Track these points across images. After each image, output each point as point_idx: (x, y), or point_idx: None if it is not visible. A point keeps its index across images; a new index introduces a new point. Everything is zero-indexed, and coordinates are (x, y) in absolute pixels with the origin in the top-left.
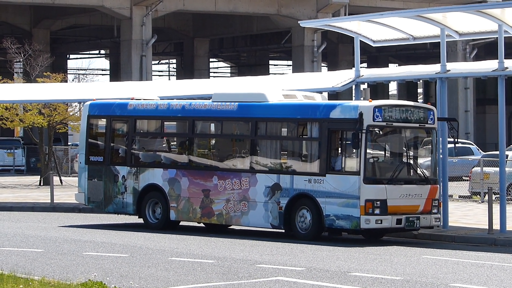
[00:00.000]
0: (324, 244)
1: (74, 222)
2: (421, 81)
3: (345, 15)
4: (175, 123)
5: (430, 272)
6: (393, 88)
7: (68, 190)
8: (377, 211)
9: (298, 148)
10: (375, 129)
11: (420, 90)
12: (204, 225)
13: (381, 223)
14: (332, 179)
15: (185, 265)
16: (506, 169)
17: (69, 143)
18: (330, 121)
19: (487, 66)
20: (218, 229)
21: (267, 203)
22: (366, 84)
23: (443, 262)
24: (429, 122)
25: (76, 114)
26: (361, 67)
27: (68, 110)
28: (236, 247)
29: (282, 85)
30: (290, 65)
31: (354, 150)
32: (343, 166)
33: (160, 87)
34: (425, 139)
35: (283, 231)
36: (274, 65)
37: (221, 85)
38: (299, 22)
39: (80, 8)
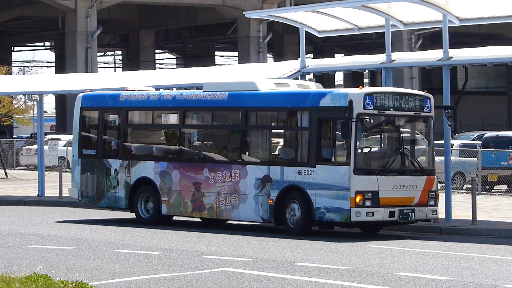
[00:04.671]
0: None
1: (19, 215)
2: (366, 71)
3: (290, 5)
4: (166, 114)
5: (376, 261)
6: (339, 78)
7: (13, 183)
8: (368, 203)
9: (288, 138)
10: (366, 117)
11: (366, 80)
12: (200, 220)
13: (372, 215)
14: (322, 170)
15: (131, 257)
16: (451, 158)
17: (14, 136)
18: (320, 110)
19: (432, 56)
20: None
21: (258, 195)
22: (312, 74)
23: (389, 251)
24: (425, 110)
25: (21, 107)
26: (306, 58)
27: (13, 102)
28: (183, 238)
29: (228, 76)
30: (236, 56)
31: (344, 140)
32: (333, 156)
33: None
34: (421, 128)
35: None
36: (220, 56)
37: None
38: (244, 13)
39: (25, 0)
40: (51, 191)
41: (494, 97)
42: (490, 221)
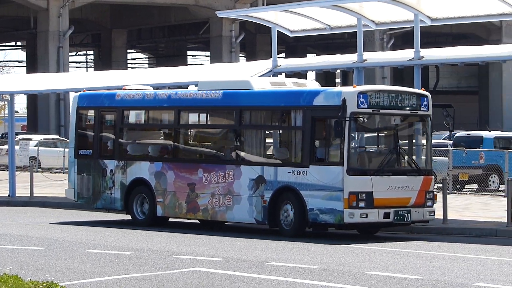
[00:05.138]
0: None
1: None
2: (338, 70)
3: (263, 5)
4: (162, 113)
5: (347, 260)
6: (311, 78)
7: None
8: (362, 204)
9: (282, 138)
10: (360, 116)
11: (338, 80)
12: (198, 221)
13: (366, 217)
14: (315, 171)
15: (102, 257)
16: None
17: None
18: (313, 109)
19: (404, 55)
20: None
21: (252, 196)
22: (284, 74)
23: (360, 251)
24: (422, 109)
25: None
26: (279, 57)
27: None
28: (154, 238)
29: (200, 76)
30: (209, 56)
31: (338, 139)
32: (326, 156)
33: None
34: (418, 127)
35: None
36: (192, 55)
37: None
38: (216, 12)
39: None
40: (22, 191)
41: (465, 97)
42: (461, 220)
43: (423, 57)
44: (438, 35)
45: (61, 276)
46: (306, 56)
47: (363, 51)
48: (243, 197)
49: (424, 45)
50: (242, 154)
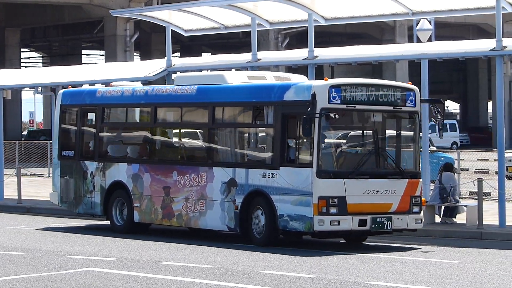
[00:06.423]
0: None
1: None
2: (233, 70)
3: (157, 4)
4: (139, 111)
5: (241, 259)
6: None
7: None
8: (333, 210)
9: (253, 137)
10: (331, 113)
11: None
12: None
13: (338, 224)
14: (285, 173)
15: None
16: None
17: None
18: (284, 105)
19: (298, 54)
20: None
21: (224, 201)
22: (178, 73)
23: (253, 250)
24: (407, 104)
25: None
26: (174, 57)
27: None
28: (47, 238)
29: (95, 75)
30: (103, 55)
31: (308, 139)
32: (296, 157)
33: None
34: (403, 124)
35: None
36: (87, 55)
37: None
38: (110, 11)
39: None
40: None
41: None
42: None
43: (317, 56)
44: (332, 34)
45: None
46: (201, 56)
47: (258, 51)
48: (215, 202)
49: (319, 44)
50: (214, 154)
